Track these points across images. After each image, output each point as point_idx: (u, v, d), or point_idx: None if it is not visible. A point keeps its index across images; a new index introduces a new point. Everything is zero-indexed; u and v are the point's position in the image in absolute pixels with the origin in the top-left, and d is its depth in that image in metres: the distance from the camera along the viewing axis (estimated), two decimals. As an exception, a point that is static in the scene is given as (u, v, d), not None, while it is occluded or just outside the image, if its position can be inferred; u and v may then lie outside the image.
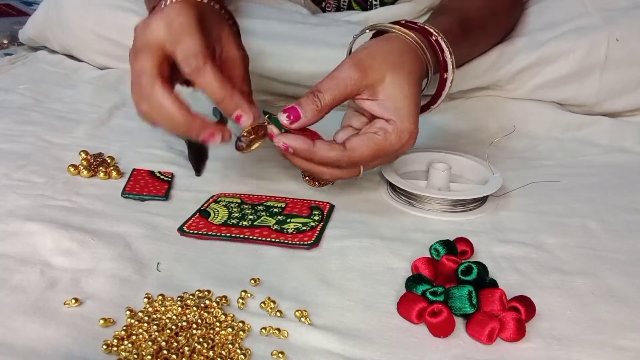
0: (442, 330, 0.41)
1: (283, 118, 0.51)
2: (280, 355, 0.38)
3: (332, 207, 0.58)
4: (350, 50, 0.60)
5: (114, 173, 0.61)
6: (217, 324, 0.41)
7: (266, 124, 0.52)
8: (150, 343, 0.39)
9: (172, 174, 0.63)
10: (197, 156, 0.64)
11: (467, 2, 0.69)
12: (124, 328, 0.40)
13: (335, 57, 0.57)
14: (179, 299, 0.43)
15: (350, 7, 0.90)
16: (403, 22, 0.57)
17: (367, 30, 0.58)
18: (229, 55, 0.55)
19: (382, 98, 0.52)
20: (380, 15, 0.84)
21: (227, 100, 0.50)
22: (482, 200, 0.59)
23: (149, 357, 0.37)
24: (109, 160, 0.64)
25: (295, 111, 0.50)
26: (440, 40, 0.56)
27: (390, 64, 0.52)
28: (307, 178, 0.63)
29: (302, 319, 0.42)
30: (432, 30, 0.56)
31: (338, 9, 0.90)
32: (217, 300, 0.43)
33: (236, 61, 0.56)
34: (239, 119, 0.51)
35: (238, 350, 0.39)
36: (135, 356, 0.37)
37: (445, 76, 0.57)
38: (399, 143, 0.51)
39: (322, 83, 0.51)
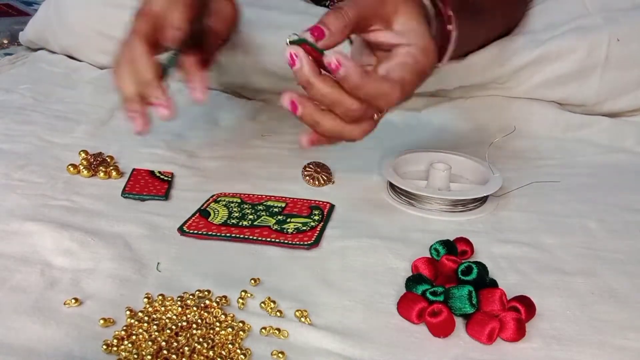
0: (442, 330, 0.41)
1: (307, 36, 0.44)
2: (280, 355, 0.38)
3: (332, 207, 0.58)
4: None
5: (114, 173, 0.61)
6: (217, 324, 0.41)
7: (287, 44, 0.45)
8: (150, 343, 0.39)
9: (172, 173, 0.63)
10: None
11: None
12: (124, 328, 0.40)
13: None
14: (179, 299, 0.43)
15: None
16: None
17: None
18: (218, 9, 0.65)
19: (397, 27, 0.49)
20: None
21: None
22: (482, 200, 0.59)
23: (149, 357, 0.37)
24: (108, 160, 0.64)
25: (319, 29, 0.44)
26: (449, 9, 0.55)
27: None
28: (307, 178, 0.63)
29: (302, 319, 0.42)
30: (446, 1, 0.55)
31: None
32: (217, 300, 0.43)
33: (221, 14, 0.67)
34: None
35: (238, 350, 0.39)
36: (135, 356, 0.37)
37: (449, 28, 0.55)
38: (428, 61, 0.48)
39: (343, 2, 0.47)
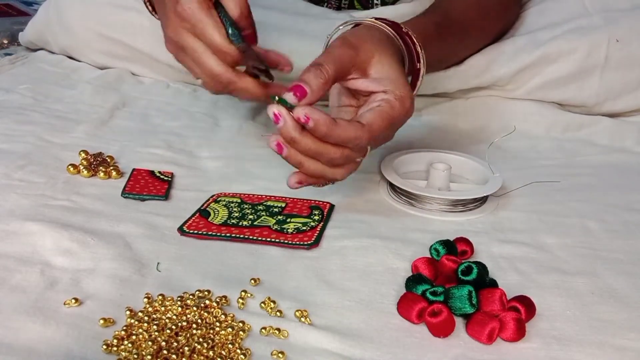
0: (442, 330, 0.41)
1: (289, 97, 0.47)
2: (280, 355, 0.38)
3: (332, 207, 0.58)
4: (327, 45, 0.59)
5: (113, 173, 0.61)
6: (217, 324, 0.41)
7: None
8: (150, 343, 0.39)
9: (172, 173, 0.63)
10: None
11: (453, 2, 0.70)
12: (124, 328, 0.40)
13: None
14: (179, 299, 0.43)
15: (351, 6, 0.90)
16: (374, 18, 0.57)
17: (340, 27, 0.58)
18: None
19: (374, 74, 0.52)
20: (382, 14, 0.84)
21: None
22: (482, 200, 0.59)
23: (149, 357, 0.37)
24: (108, 160, 0.64)
25: (301, 88, 0.47)
26: (410, 33, 0.57)
27: (376, 44, 0.53)
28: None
29: (302, 319, 0.42)
30: (401, 25, 0.57)
31: (339, 8, 0.90)
32: (217, 300, 0.43)
33: None
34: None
35: (238, 350, 0.39)
36: (135, 356, 0.37)
37: (418, 66, 0.57)
38: (403, 109, 0.51)
39: (320, 58, 0.50)
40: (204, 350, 0.38)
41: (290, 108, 0.47)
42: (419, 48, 0.57)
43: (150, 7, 0.66)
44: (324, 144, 0.48)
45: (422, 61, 0.57)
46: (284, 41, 0.78)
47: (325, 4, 0.90)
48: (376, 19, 0.57)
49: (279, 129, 0.47)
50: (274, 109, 0.47)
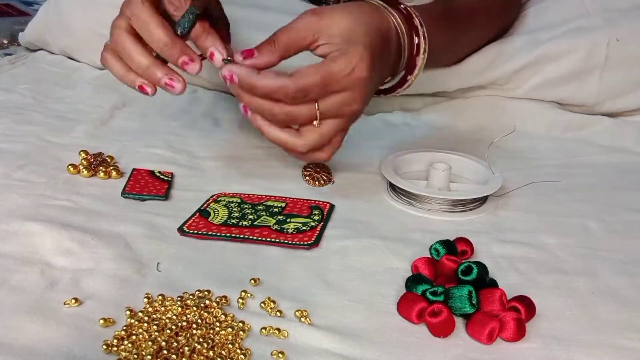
0: (442, 330, 0.41)
1: (237, 55, 0.50)
2: (280, 355, 0.38)
3: (332, 207, 0.58)
4: None
5: (113, 173, 0.61)
6: (217, 324, 0.41)
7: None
8: (150, 343, 0.39)
9: (172, 173, 0.63)
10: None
11: None
12: (124, 328, 0.40)
13: None
14: (179, 299, 0.43)
15: None
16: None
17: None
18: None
19: (337, 37, 0.50)
20: None
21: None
22: (482, 200, 0.59)
23: (149, 357, 0.37)
24: (108, 160, 0.64)
25: (250, 51, 0.50)
26: (410, 9, 0.56)
27: (348, 12, 0.52)
28: (307, 178, 0.63)
29: (302, 319, 0.42)
30: (400, 2, 0.56)
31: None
32: (217, 300, 0.43)
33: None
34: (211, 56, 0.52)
35: (238, 350, 0.39)
36: (135, 356, 0.37)
37: (417, 41, 0.56)
38: (348, 65, 0.49)
39: (278, 30, 0.51)
40: (204, 350, 0.38)
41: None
42: (417, 23, 0.55)
43: None
44: (257, 98, 0.50)
45: (421, 36, 0.56)
46: None
47: (324, 3, 0.90)
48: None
49: (230, 86, 0.50)
50: (224, 71, 0.50)
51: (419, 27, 0.56)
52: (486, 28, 0.77)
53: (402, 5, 0.56)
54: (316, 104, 0.50)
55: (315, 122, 0.51)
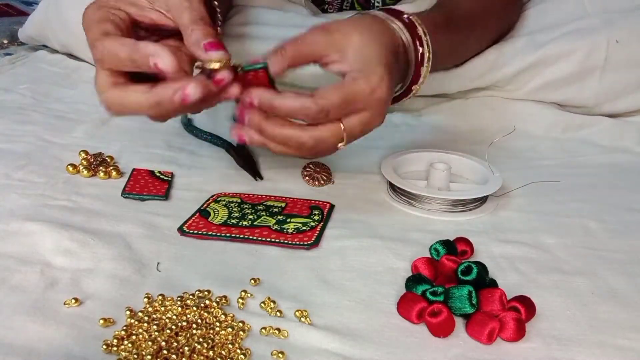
0: (442, 330, 0.41)
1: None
2: (280, 355, 0.38)
3: (332, 207, 0.58)
4: None
5: (113, 173, 0.61)
6: (217, 324, 0.41)
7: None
8: (150, 343, 0.39)
9: (172, 173, 0.63)
10: (248, 161, 0.64)
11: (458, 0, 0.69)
12: (124, 328, 0.40)
13: None
14: (179, 299, 0.43)
15: (352, 8, 0.90)
16: (391, 9, 0.56)
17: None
18: None
19: (351, 55, 0.51)
20: None
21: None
22: (482, 200, 0.59)
23: (149, 357, 0.37)
24: (108, 160, 0.64)
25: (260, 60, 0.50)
26: (412, 19, 0.56)
27: (358, 26, 0.52)
28: (307, 178, 0.63)
29: (302, 319, 0.42)
30: (403, 11, 0.56)
31: (340, 9, 0.90)
32: (217, 300, 0.43)
33: None
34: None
35: (238, 350, 0.39)
36: (135, 356, 0.37)
37: (421, 51, 0.56)
38: (368, 86, 0.49)
39: (286, 42, 0.51)
40: (204, 350, 0.38)
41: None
42: (421, 32, 0.56)
43: None
44: (280, 128, 0.49)
45: (425, 45, 0.56)
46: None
47: (327, 5, 0.90)
48: (393, 9, 0.57)
49: (248, 120, 0.50)
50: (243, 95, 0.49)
51: (423, 36, 0.56)
52: (488, 32, 0.77)
53: (404, 15, 0.56)
54: (341, 125, 0.50)
55: (340, 145, 0.52)
